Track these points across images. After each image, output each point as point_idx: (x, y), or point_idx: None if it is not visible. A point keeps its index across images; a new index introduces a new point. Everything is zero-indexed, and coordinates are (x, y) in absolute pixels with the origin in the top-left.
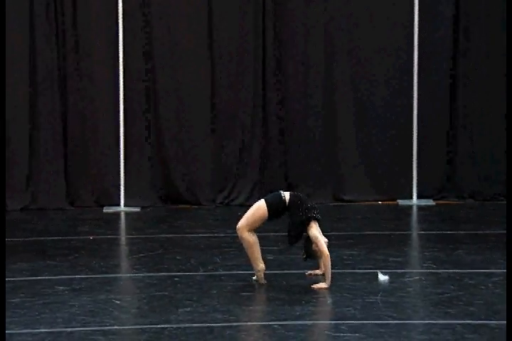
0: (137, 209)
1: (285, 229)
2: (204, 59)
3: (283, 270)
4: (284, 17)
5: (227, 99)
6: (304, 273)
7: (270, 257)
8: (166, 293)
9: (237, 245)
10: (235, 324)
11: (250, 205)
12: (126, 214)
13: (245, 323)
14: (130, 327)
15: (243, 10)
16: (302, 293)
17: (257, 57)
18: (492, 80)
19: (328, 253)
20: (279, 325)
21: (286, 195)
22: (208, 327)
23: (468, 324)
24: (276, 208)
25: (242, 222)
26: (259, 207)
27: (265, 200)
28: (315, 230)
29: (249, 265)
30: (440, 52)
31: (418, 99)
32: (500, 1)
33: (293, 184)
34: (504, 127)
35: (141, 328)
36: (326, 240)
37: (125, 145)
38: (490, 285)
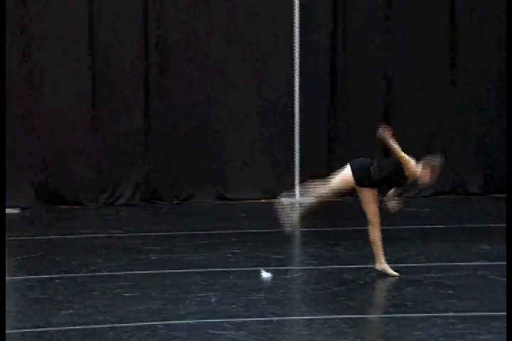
0: (17, 211)
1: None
2: (85, 59)
3: (166, 269)
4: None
5: (109, 99)
6: (185, 272)
7: (154, 257)
8: (47, 296)
9: (119, 245)
10: (117, 325)
11: (134, 205)
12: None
13: (128, 324)
14: (10, 331)
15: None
16: (186, 292)
17: (141, 58)
18: (372, 84)
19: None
20: (163, 324)
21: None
22: (90, 328)
23: (348, 318)
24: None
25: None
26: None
27: None
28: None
29: (131, 265)
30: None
31: (299, 101)
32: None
33: (176, 183)
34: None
35: (20, 332)
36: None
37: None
38: (368, 279)
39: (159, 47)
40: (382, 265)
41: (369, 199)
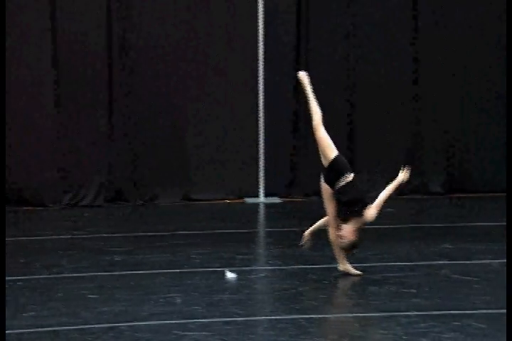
0: None
1: None
2: (47, 58)
3: (131, 271)
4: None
5: (72, 98)
6: (149, 273)
7: (118, 258)
8: (10, 298)
9: (83, 247)
10: (81, 327)
11: (97, 206)
12: None
13: (92, 326)
14: None
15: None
16: (150, 293)
17: (103, 58)
18: (332, 82)
19: None
20: (127, 326)
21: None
22: (53, 331)
23: (312, 318)
24: None
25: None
26: None
27: None
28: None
29: (95, 266)
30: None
31: (264, 100)
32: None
33: (140, 183)
34: (344, 126)
35: None
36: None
37: None
38: (332, 279)
39: (125, 48)
40: (345, 265)
41: (330, 198)
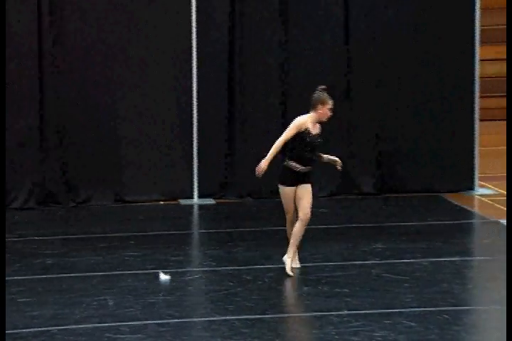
0: None
1: None
2: None
3: (63, 274)
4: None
5: (9, 93)
6: (82, 276)
7: (49, 261)
8: None
9: (14, 250)
10: (12, 331)
11: (29, 208)
12: None
13: (23, 330)
14: None
15: None
16: (83, 296)
17: (33, 57)
18: (266, 85)
19: None
20: (59, 330)
21: None
22: None
23: (246, 319)
24: None
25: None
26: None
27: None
28: None
29: (26, 269)
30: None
31: (197, 100)
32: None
33: (73, 185)
34: (278, 129)
35: None
36: None
37: None
38: (266, 280)
39: (56, 45)
40: (289, 258)
41: (291, 197)
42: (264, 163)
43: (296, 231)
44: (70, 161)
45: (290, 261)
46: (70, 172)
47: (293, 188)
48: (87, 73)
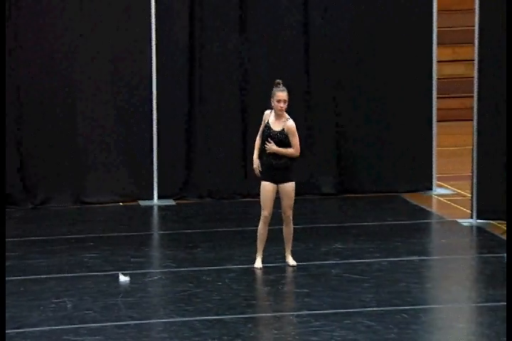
0: None
1: None
2: None
3: (21, 276)
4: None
5: None
6: (40, 278)
7: (7, 263)
8: None
9: None
10: None
11: None
12: None
13: None
14: None
15: None
16: (41, 298)
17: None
18: (226, 83)
19: None
20: (16, 332)
21: None
22: None
23: (205, 319)
24: None
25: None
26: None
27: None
28: None
29: None
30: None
31: (157, 100)
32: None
33: (31, 187)
34: (238, 129)
35: None
36: None
37: None
38: (226, 280)
39: (15, 43)
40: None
41: (269, 194)
42: (254, 162)
43: (285, 233)
44: (29, 162)
45: (259, 258)
46: (28, 173)
47: (270, 184)
48: (43, 72)
